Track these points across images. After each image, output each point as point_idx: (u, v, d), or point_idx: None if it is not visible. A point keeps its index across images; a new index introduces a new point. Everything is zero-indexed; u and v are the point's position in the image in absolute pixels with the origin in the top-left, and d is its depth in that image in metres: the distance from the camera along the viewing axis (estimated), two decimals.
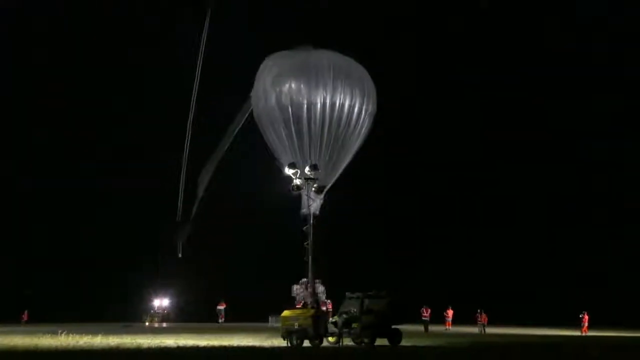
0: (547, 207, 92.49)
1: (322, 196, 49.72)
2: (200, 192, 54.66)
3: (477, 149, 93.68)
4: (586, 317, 65.95)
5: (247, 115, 51.97)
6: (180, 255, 54.39)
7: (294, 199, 49.76)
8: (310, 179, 48.20)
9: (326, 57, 50.04)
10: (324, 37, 51.78)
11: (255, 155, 56.45)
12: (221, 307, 77.88)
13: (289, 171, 48.10)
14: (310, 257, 47.59)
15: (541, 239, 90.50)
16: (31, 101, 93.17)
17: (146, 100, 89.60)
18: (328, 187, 50.29)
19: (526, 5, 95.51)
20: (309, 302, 47.18)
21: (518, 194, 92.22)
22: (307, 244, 47.80)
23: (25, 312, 77.54)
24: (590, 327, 66.05)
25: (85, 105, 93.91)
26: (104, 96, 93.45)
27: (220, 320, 76.25)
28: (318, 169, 48.71)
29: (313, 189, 48.25)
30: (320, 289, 49.16)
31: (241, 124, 52.00)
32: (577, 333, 64.93)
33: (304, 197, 49.01)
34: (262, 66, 50.98)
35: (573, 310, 67.66)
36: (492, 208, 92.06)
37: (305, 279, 48.45)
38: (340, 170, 50.90)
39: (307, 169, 48.55)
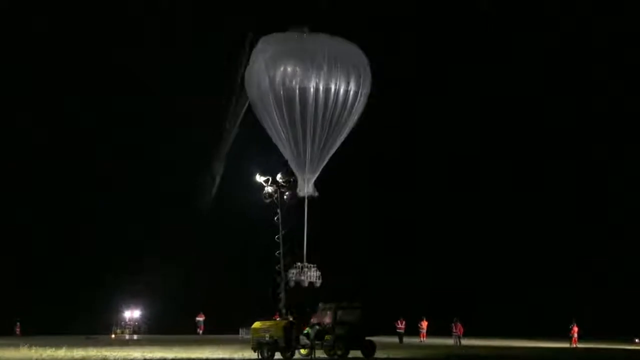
0: (539, 210, 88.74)
1: (312, 185, 48.86)
2: (217, 179, 54.60)
3: (469, 150, 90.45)
4: (575, 327, 63.23)
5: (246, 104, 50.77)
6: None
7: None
8: (283, 186, 45.11)
9: (320, 40, 48.89)
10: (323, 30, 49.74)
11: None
12: (200, 318, 75.36)
13: (260, 179, 45.18)
14: (282, 267, 45.50)
15: (531, 245, 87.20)
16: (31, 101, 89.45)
17: (146, 99, 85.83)
18: (316, 176, 49.11)
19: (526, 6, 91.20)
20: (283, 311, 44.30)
21: (509, 196, 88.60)
22: (279, 253, 46.58)
23: (18, 324, 75.63)
24: (580, 339, 62.99)
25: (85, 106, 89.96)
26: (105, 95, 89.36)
27: (199, 332, 72.90)
28: (292, 177, 46.21)
29: (285, 196, 44.96)
30: (316, 274, 47.62)
31: (244, 108, 49.60)
32: (565, 345, 62.35)
33: (300, 183, 48.30)
34: (256, 48, 49.61)
35: (562, 321, 64.42)
36: (478, 213, 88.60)
37: (299, 263, 47.30)
38: (329, 155, 49.55)
39: (279, 176, 46.70)
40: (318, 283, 47.35)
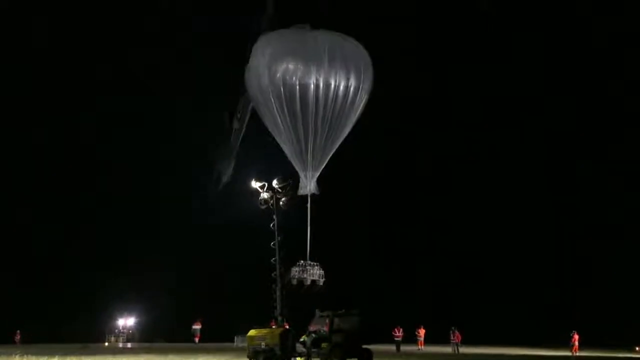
0: (538, 215, 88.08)
1: (315, 182, 47.73)
2: (225, 177, 53.59)
3: (468, 152, 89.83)
4: (576, 336, 64.02)
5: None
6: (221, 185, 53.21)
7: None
8: (279, 191, 44.14)
9: (320, 36, 48.05)
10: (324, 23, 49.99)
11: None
12: (197, 326, 73.58)
13: (255, 184, 44.16)
14: (278, 275, 44.02)
15: (531, 253, 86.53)
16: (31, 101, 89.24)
17: (146, 99, 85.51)
18: (318, 173, 48.09)
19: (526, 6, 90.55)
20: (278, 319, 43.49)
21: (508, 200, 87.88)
22: (274, 260, 46.71)
23: (18, 332, 74.24)
24: (581, 347, 64.45)
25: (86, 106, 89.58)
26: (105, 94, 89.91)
27: (195, 340, 72.56)
28: (289, 182, 46.48)
29: (281, 202, 43.97)
30: (319, 272, 46.90)
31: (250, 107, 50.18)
32: (567, 353, 63.34)
33: (302, 180, 47.50)
34: (256, 45, 48.88)
35: (563, 328, 63.84)
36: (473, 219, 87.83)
37: (302, 261, 46.74)
38: (332, 152, 48.62)
39: (274, 182, 45.00)
40: (321, 281, 46.60)
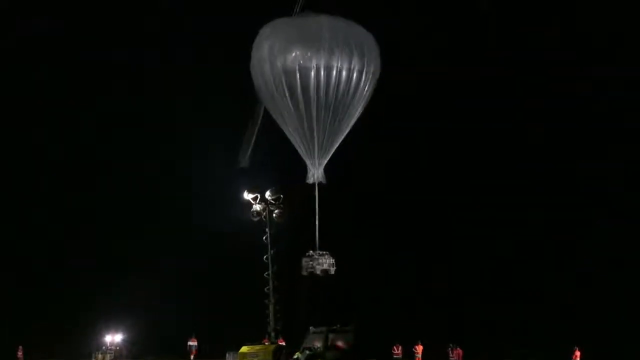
0: (539, 223, 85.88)
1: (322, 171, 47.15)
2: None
3: (468, 156, 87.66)
4: (577, 352, 62.42)
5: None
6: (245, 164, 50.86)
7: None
8: (272, 203, 42.27)
9: (322, 21, 47.08)
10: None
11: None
12: (193, 342, 70.44)
13: (248, 196, 42.21)
14: (271, 290, 41.86)
15: (532, 265, 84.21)
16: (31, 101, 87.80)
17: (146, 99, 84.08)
18: (326, 161, 47.21)
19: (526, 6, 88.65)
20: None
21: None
22: (267, 274, 45.31)
23: (20, 348, 71.02)
24: None
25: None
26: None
27: (192, 358, 70.54)
28: (281, 194, 43.54)
29: (274, 214, 42.14)
30: (329, 261, 45.84)
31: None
32: None
33: (310, 170, 46.67)
34: (259, 35, 47.96)
35: (564, 344, 61.87)
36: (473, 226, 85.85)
37: (311, 251, 46.00)
38: (339, 139, 47.71)
39: (267, 193, 43.44)
40: (332, 270, 45.74)
